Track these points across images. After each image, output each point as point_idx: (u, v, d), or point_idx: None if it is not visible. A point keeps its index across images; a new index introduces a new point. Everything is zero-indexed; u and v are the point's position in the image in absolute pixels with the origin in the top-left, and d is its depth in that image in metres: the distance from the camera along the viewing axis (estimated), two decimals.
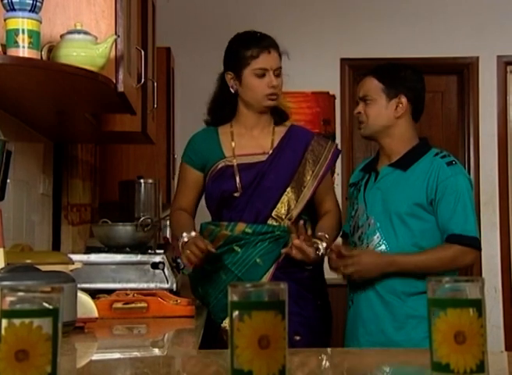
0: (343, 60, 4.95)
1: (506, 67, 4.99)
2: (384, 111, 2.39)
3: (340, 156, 4.85)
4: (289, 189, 2.44)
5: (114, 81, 2.05)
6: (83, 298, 1.87)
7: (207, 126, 2.57)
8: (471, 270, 4.65)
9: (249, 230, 2.40)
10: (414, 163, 2.36)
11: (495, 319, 4.75)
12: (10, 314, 0.89)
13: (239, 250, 2.40)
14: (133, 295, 2.25)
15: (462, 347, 0.99)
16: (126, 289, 2.38)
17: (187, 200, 2.54)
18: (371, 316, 2.34)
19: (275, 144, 2.49)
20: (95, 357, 1.73)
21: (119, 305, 2.20)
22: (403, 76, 2.42)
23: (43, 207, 2.99)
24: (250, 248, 2.40)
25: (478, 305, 1.01)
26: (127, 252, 2.64)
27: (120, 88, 2.08)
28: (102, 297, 2.24)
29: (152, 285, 2.49)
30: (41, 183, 2.93)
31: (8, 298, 0.90)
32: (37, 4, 1.76)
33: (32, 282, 1.57)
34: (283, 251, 2.35)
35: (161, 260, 2.52)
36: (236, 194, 2.43)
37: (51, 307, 0.91)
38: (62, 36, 1.93)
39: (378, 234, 2.35)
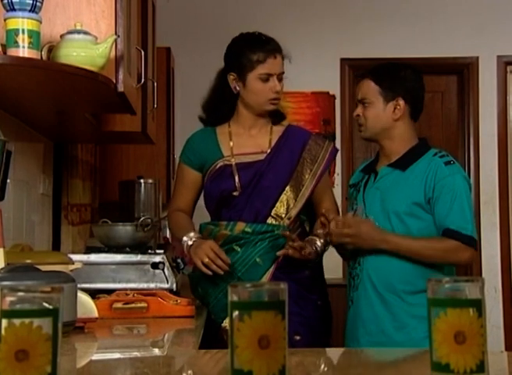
0: (343, 60, 4.95)
1: (506, 67, 4.99)
2: (382, 114, 2.39)
3: (340, 156, 4.92)
4: (288, 188, 2.45)
5: (114, 81, 2.05)
6: (83, 298, 1.87)
7: (201, 122, 2.58)
8: (471, 270, 4.65)
9: (248, 230, 2.41)
10: (412, 163, 2.36)
11: (495, 319, 4.75)
12: (10, 314, 0.89)
13: (238, 249, 2.40)
14: (133, 295, 2.25)
15: (462, 347, 0.99)
16: (126, 289, 2.38)
17: (185, 200, 2.54)
18: (371, 315, 2.34)
19: (273, 144, 2.50)
20: (95, 357, 1.73)
21: (119, 305, 2.20)
22: (400, 77, 2.41)
23: (43, 207, 2.99)
24: (250, 247, 2.40)
25: (478, 305, 1.01)
26: (127, 252, 2.64)
27: (120, 88, 2.08)
28: (102, 297, 2.24)
29: (152, 285, 2.49)
30: (41, 183, 2.93)
31: (8, 298, 0.90)
32: (37, 4, 1.76)
33: (32, 282, 1.57)
34: (279, 253, 2.36)
35: (161, 260, 2.52)
36: (235, 194, 2.44)
37: (51, 307, 0.91)
38: (62, 36, 1.93)
39: None
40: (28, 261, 1.92)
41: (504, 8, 4.97)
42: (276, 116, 2.55)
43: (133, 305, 2.20)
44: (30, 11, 1.75)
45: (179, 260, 2.69)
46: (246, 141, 2.50)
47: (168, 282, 2.50)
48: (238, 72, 2.44)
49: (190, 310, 2.22)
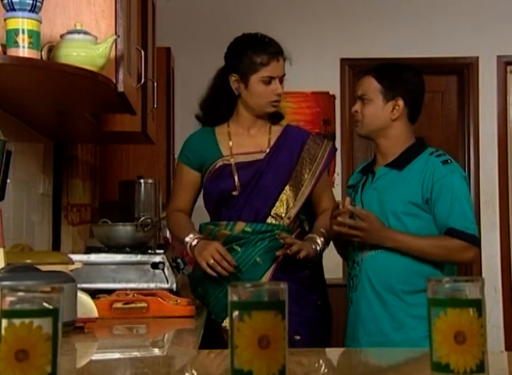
0: (343, 60, 4.95)
1: (506, 67, 4.98)
2: (380, 112, 2.39)
3: (340, 156, 4.93)
4: (287, 188, 2.45)
5: (114, 81, 2.05)
6: (83, 298, 1.87)
7: (198, 121, 2.58)
8: (471, 270, 4.65)
9: (248, 229, 2.41)
10: (409, 163, 2.37)
11: (495, 319, 4.75)
12: (10, 314, 0.89)
13: (238, 249, 2.40)
14: (133, 295, 2.25)
15: (462, 347, 0.99)
16: (126, 289, 2.38)
17: (184, 201, 2.54)
18: (370, 316, 2.34)
19: (272, 143, 2.50)
20: (95, 357, 1.73)
21: (119, 305, 2.20)
22: (402, 78, 2.41)
23: (43, 207, 2.99)
24: (250, 247, 2.40)
25: (478, 305, 1.01)
26: (127, 252, 2.64)
27: (120, 88, 2.08)
28: (102, 297, 2.24)
29: (152, 285, 2.49)
30: (41, 183, 2.93)
31: (8, 298, 0.90)
32: (37, 4, 1.76)
33: (32, 282, 1.57)
34: (278, 252, 2.36)
35: (161, 260, 2.52)
36: (234, 193, 2.44)
37: (51, 307, 0.91)
38: (62, 36, 1.93)
39: None
40: (28, 261, 1.92)
41: (504, 8, 4.97)
42: (275, 117, 2.56)
43: (133, 305, 2.20)
44: (30, 11, 1.75)
45: (179, 260, 2.69)
46: (245, 141, 2.50)
47: (168, 282, 2.50)
48: (240, 73, 2.44)
49: (190, 310, 2.22)
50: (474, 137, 4.97)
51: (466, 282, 1.04)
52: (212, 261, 2.30)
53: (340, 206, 2.27)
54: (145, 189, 3.51)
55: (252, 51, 2.42)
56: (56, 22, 2.03)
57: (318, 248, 2.39)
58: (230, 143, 2.50)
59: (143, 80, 2.59)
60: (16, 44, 1.75)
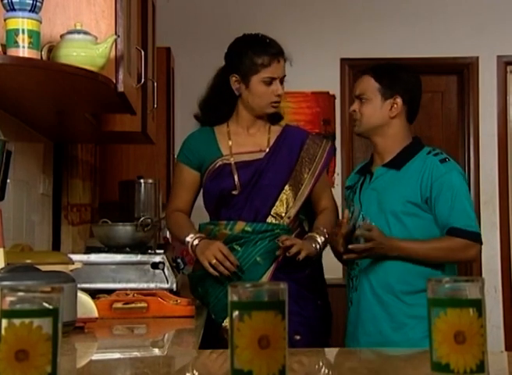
0: (342, 60, 4.94)
1: (506, 67, 4.98)
2: (378, 111, 2.40)
3: (340, 156, 4.93)
4: (287, 187, 2.46)
5: (114, 81, 2.05)
6: (83, 298, 1.87)
7: (197, 120, 2.58)
8: (471, 270, 4.65)
9: (249, 229, 2.41)
10: (407, 162, 2.37)
11: (495, 319, 4.75)
12: (10, 314, 0.89)
13: (239, 249, 2.40)
14: (133, 295, 2.25)
15: (462, 347, 0.99)
16: (126, 289, 2.38)
17: (184, 200, 2.54)
18: (369, 316, 2.34)
19: (272, 143, 2.51)
20: (95, 357, 1.73)
21: (119, 305, 2.20)
22: (400, 77, 2.42)
23: (43, 207, 2.99)
24: (250, 246, 2.40)
25: (478, 305, 1.01)
26: (127, 252, 2.64)
27: (120, 88, 2.08)
28: (102, 297, 2.24)
29: (152, 285, 2.49)
30: (41, 183, 2.93)
31: (8, 298, 0.90)
32: (37, 4, 1.76)
33: (32, 282, 1.57)
34: (278, 252, 2.36)
35: (161, 260, 2.52)
36: (234, 192, 2.44)
37: (51, 307, 0.91)
38: (62, 36, 1.93)
39: None
40: (28, 261, 1.92)
41: (504, 8, 4.97)
42: (274, 117, 2.56)
43: (133, 305, 2.20)
44: (30, 11, 1.75)
45: (179, 260, 2.69)
46: (245, 140, 2.50)
47: (168, 282, 2.50)
48: (241, 74, 2.44)
49: (190, 310, 2.22)
50: (474, 137, 4.97)
51: (466, 282, 1.04)
52: (215, 260, 2.30)
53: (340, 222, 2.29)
54: (145, 189, 3.51)
55: (253, 52, 2.42)
56: (56, 22, 2.03)
57: (319, 247, 2.39)
58: (230, 142, 2.50)
59: (143, 80, 2.59)
60: (16, 44, 1.75)
